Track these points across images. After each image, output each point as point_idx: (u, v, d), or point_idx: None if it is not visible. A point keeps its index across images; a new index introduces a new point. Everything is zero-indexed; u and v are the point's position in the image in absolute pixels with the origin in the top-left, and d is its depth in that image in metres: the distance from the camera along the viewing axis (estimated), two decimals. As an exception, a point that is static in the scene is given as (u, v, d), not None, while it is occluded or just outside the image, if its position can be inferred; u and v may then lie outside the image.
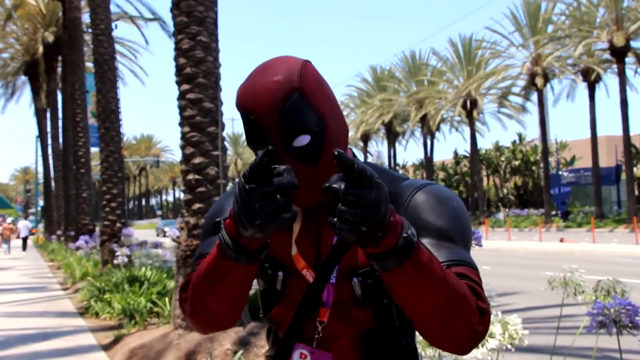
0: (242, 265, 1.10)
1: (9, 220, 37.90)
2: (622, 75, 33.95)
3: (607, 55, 36.07)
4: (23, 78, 35.97)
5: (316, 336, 1.23)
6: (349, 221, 0.94)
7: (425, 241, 1.19)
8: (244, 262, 1.09)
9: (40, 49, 30.68)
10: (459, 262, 1.17)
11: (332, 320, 1.24)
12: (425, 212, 1.22)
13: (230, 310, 1.21)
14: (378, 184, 0.95)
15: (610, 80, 64.47)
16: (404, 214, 1.22)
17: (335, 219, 0.95)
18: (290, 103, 1.14)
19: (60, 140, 27.66)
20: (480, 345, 2.58)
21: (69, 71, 21.90)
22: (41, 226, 45.18)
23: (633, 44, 34.34)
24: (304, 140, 1.15)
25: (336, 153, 0.94)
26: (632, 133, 36.18)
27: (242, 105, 1.17)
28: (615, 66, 35.17)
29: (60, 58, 28.27)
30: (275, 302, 1.32)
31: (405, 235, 1.00)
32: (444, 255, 1.17)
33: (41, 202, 48.02)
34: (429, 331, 1.11)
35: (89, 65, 24.54)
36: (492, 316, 2.93)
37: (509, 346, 2.76)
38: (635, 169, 46.65)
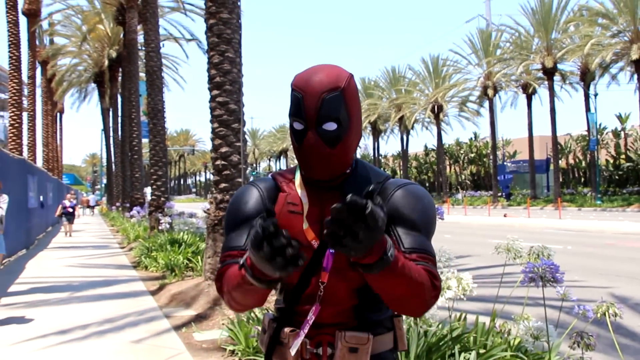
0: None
1: (86, 194, 38.59)
2: (551, 90, 34.95)
3: (540, 74, 36.62)
4: (92, 85, 35.66)
5: (319, 293, 1.21)
6: (346, 246, 0.88)
7: (399, 229, 1.19)
8: (265, 286, 1.07)
9: (106, 62, 30.49)
10: (421, 250, 1.17)
11: (331, 280, 1.21)
12: (402, 207, 1.21)
13: (259, 301, 1.20)
14: (381, 228, 0.89)
15: (543, 92, 64.19)
16: (386, 205, 1.20)
17: (331, 232, 0.88)
18: (333, 95, 1.17)
19: (119, 133, 27.59)
20: (440, 295, 2.58)
21: (127, 79, 21.79)
22: (104, 199, 45.13)
23: (560, 66, 35.47)
24: (331, 126, 1.17)
25: (348, 199, 0.85)
26: (558, 134, 37.34)
27: (298, 86, 1.19)
28: (546, 82, 35.89)
29: (120, 70, 28.08)
30: None
31: (385, 257, 0.96)
32: (410, 242, 1.17)
33: (105, 181, 47.90)
34: (396, 308, 1.13)
35: (142, 75, 24.39)
36: (450, 273, 2.92)
37: (462, 296, 2.77)
38: (560, 162, 46.97)
